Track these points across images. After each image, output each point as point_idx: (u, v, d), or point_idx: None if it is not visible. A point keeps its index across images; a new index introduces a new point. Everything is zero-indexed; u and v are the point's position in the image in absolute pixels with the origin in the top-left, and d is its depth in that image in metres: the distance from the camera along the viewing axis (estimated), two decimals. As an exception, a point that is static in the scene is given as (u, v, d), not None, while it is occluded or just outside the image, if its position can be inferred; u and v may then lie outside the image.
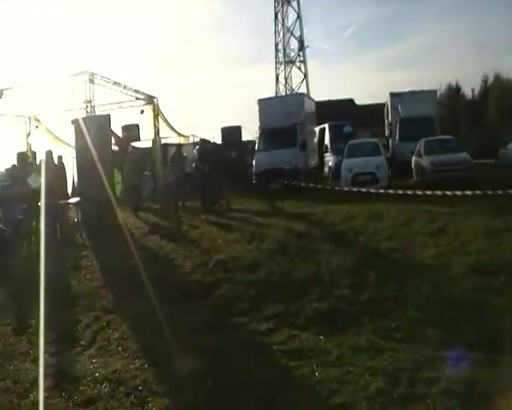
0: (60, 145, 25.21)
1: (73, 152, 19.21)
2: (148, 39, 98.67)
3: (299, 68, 58.09)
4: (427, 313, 7.19)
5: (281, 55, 58.45)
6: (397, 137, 25.53)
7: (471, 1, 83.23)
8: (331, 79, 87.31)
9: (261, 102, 24.89)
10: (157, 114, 25.67)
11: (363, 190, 15.82)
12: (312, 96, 36.88)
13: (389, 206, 14.17)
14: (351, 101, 50.50)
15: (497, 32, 74.77)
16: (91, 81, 23.67)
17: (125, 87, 24.48)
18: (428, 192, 13.46)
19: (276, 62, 58.52)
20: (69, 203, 17.93)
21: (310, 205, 16.11)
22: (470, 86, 47.73)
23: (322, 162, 28.32)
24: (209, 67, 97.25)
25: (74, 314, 8.82)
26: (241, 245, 11.59)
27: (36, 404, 5.88)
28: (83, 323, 8.35)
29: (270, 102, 25.43)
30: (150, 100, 25.33)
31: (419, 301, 7.63)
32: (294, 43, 58.07)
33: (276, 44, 58.37)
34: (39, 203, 13.94)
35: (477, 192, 12.61)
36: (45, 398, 5.90)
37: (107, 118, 19.36)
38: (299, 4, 57.41)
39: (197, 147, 22.19)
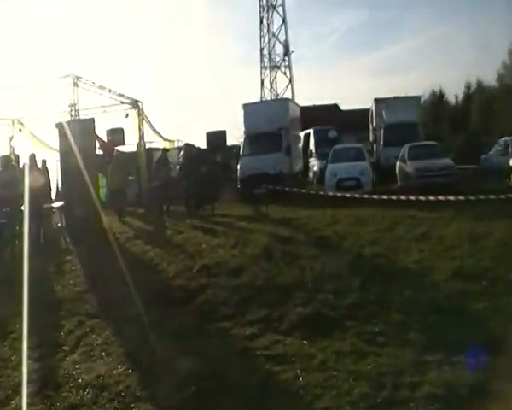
0: (43, 149, 25.07)
1: (57, 156, 19.10)
2: (133, 43, 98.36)
3: (285, 73, 58.18)
4: (410, 318, 7.23)
5: (266, 59, 58.47)
6: (381, 142, 25.66)
7: (455, 9, 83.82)
8: (316, 84, 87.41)
9: (246, 106, 24.90)
10: (142, 118, 25.63)
11: (348, 195, 15.88)
12: (297, 101, 37.01)
13: (373, 211, 14.24)
14: (336, 106, 50.69)
15: (481, 40, 75.48)
16: (76, 84, 23.61)
17: (109, 91, 24.45)
18: (412, 197, 13.54)
19: (261, 67, 58.57)
20: (53, 207, 17.82)
21: (294, 210, 16.14)
22: (453, 92, 48.22)
23: (306, 167, 28.41)
24: (194, 72, 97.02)
25: (58, 319, 8.74)
26: (225, 250, 11.57)
27: (18, 411, 5.83)
28: (66, 328, 8.27)
29: (254, 107, 25.45)
30: (135, 104, 25.28)
31: (403, 305, 7.67)
32: (280, 48, 58.15)
33: (262, 49, 58.40)
34: (22, 207, 13.83)
35: (460, 198, 12.71)
36: (28, 405, 5.84)
37: (92, 122, 19.26)
38: (284, 10, 57.54)
39: (182, 151, 22.14)
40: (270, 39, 58.11)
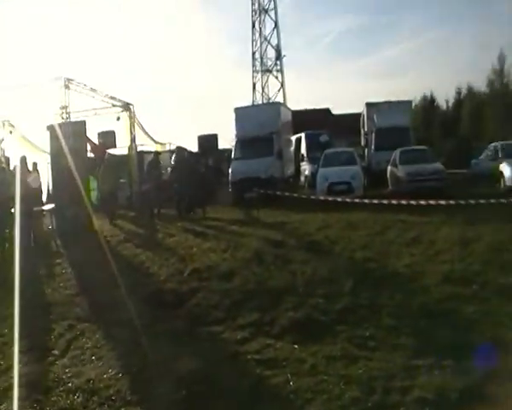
0: (34, 151, 24.97)
1: (48, 158, 19.04)
2: (125, 47, 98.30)
3: (276, 77, 58.42)
4: (401, 322, 7.25)
5: (258, 63, 58.71)
6: (372, 146, 25.76)
7: (446, 15, 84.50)
8: (308, 89, 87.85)
9: (237, 110, 24.92)
10: (133, 121, 25.59)
11: (339, 199, 15.91)
12: (289, 105, 37.08)
13: (365, 215, 14.29)
14: (327, 110, 50.84)
15: (472, 45, 76.06)
16: (67, 87, 23.54)
17: (101, 93, 24.37)
18: (403, 202, 13.60)
19: (253, 71, 58.74)
20: (44, 210, 17.75)
21: (286, 214, 16.17)
22: (445, 97, 48.39)
23: (298, 171, 28.47)
24: (186, 75, 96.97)
25: (48, 323, 8.68)
26: (216, 254, 11.57)
27: (8, 415, 5.80)
28: (56, 331, 8.22)
29: (246, 111, 25.47)
30: (126, 107, 25.24)
31: (393, 309, 7.69)
32: (271, 52, 58.41)
33: (254, 53, 58.62)
34: (13, 210, 13.79)
35: (451, 202, 12.77)
36: (17, 409, 5.80)
37: (83, 124, 19.23)
38: (276, 14, 57.78)
39: (174, 155, 22.15)
40: (262, 43, 58.36)
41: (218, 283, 9.56)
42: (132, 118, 25.47)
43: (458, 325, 7.03)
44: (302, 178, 27.74)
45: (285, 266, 10.11)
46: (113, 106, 25.09)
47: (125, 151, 26.04)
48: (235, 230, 14.64)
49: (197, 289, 9.36)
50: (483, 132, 36.11)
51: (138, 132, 26.64)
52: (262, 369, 6.24)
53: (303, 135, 29.80)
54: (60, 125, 18.69)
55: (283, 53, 58.21)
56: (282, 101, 50.34)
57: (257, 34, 58.35)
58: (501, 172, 20.22)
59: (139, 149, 27.09)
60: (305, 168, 27.27)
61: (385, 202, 14.35)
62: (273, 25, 57.72)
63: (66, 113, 24.56)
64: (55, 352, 7.43)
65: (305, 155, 28.54)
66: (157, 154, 22.61)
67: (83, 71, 79.66)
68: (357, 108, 31.81)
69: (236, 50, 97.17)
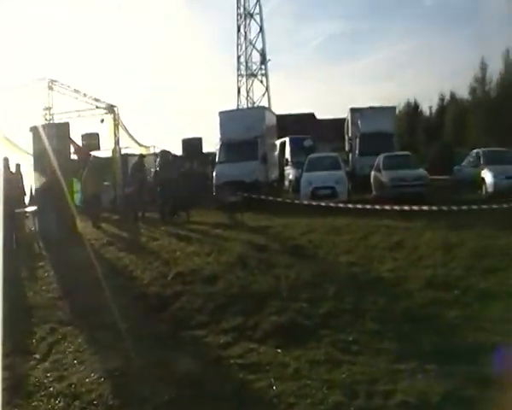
0: (17, 152, 24.73)
1: (31, 160, 18.87)
2: (110, 49, 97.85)
3: (261, 82, 58.50)
4: (384, 326, 7.27)
5: (243, 67, 58.77)
6: (357, 151, 25.94)
7: (430, 21, 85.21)
8: (292, 93, 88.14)
9: (222, 114, 24.92)
10: (117, 123, 25.46)
11: (323, 203, 15.97)
12: (274, 109, 37.18)
13: (348, 220, 14.36)
14: (312, 115, 51.03)
15: (455, 52, 76.79)
16: (51, 88, 23.38)
17: (85, 95, 24.23)
18: (387, 207, 13.68)
19: (238, 75, 58.79)
20: (26, 212, 17.60)
21: (270, 218, 16.20)
22: (428, 104, 48.77)
23: (282, 176, 28.51)
24: (170, 78, 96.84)
25: (29, 326, 8.59)
26: (200, 257, 11.54)
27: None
28: (38, 335, 8.13)
29: (230, 115, 25.48)
30: (111, 109, 25.12)
31: (377, 314, 7.71)
32: (256, 57, 58.49)
33: (239, 57, 58.67)
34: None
35: (433, 208, 12.87)
36: (-3, 414, 5.73)
37: (67, 126, 19.10)
38: (261, 18, 57.92)
39: (158, 158, 22.09)
40: (247, 47, 58.41)
41: (202, 286, 9.53)
42: (116, 120, 25.35)
43: (441, 330, 7.07)
44: (286, 183, 27.80)
45: (269, 270, 10.11)
46: (97, 108, 24.96)
47: (108, 154, 25.90)
48: (219, 233, 14.63)
49: (181, 293, 9.32)
50: (466, 139, 36.44)
51: (122, 135, 26.53)
52: (245, 373, 6.22)
53: (287, 139, 29.87)
54: (43, 126, 18.55)
55: (268, 57, 58.42)
56: (266, 105, 50.44)
57: (242, 38, 58.49)
58: (483, 179, 20.43)
59: (123, 151, 26.96)
60: (290, 173, 27.34)
61: (368, 206, 14.44)
62: (258, 29, 57.87)
63: (50, 114, 24.37)
64: (37, 356, 7.35)
65: (289, 159, 28.60)
66: (142, 157, 22.53)
67: (67, 72, 79.40)
68: (342, 113, 32.02)
69: (221, 54, 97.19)
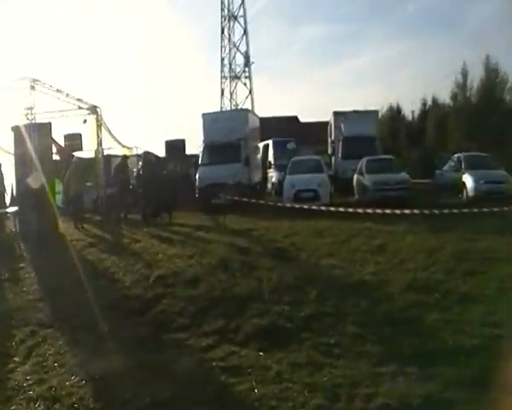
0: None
1: (12, 160, 18.67)
2: (93, 49, 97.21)
3: (245, 84, 58.46)
4: (366, 330, 7.30)
5: (226, 69, 58.68)
6: (339, 155, 26.00)
7: (414, 26, 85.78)
8: (276, 96, 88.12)
9: (205, 116, 24.87)
10: (100, 124, 25.28)
11: (306, 206, 16.00)
12: (257, 111, 37.15)
13: (331, 223, 14.40)
14: (295, 118, 51.12)
15: (438, 57, 77.42)
16: (33, 87, 23.15)
17: (67, 95, 23.99)
18: (369, 210, 13.74)
19: (221, 77, 58.70)
20: (7, 213, 17.42)
21: (252, 221, 16.19)
22: (410, 108, 48.98)
23: (265, 178, 28.52)
24: (154, 79, 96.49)
25: (9, 328, 8.51)
26: (182, 260, 11.50)
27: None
28: (18, 338, 8.05)
29: (214, 117, 25.43)
30: (93, 110, 24.91)
31: (358, 317, 7.75)
32: (240, 59, 58.46)
33: (222, 59, 58.59)
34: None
35: (415, 211, 12.96)
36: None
37: (49, 126, 18.93)
38: (245, 20, 57.86)
39: (141, 159, 22.00)
40: (230, 49, 58.33)
41: (184, 289, 9.51)
42: (99, 121, 25.15)
43: (421, 333, 7.12)
44: (269, 185, 27.82)
45: (251, 272, 10.10)
46: (80, 108, 24.72)
47: (91, 154, 25.72)
48: (201, 236, 14.60)
49: (162, 296, 9.29)
50: (447, 144, 36.72)
51: (105, 136, 26.32)
52: (227, 376, 6.21)
53: (270, 142, 29.90)
54: (25, 126, 18.37)
55: (252, 60, 58.37)
56: (250, 107, 50.42)
57: (226, 40, 58.38)
58: (463, 183, 20.61)
59: (106, 152, 26.79)
60: (272, 175, 27.37)
61: (351, 210, 14.49)
62: (242, 31, 57.88)
63: (32, 114, 24.11)
64: (16, 359, 7.28)
65: (272, 162, 28.63)
66: (125, 158, 22.38)
67: (50, 73, 78.62)
68: (325, 116, 32.10)
69: (205, 56, 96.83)
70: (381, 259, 10.73)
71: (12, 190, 20.37)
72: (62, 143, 25.28)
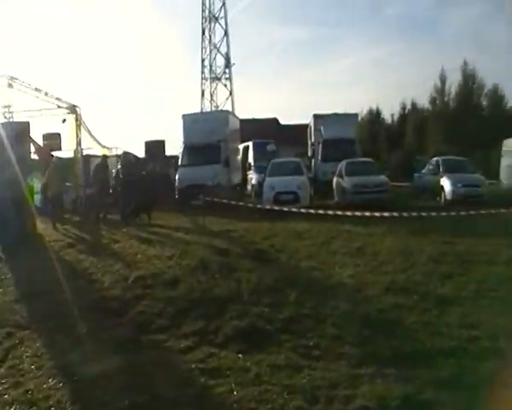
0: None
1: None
2: (72, 48, 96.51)
3: (225, 85, 58.51)
4: (344, 331, 7.33)
5: (207, 71, 58.65)
6: (319, 157, 26.12)
7: (394, 30, 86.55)
8: (256, 98, 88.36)
9: (185, 117, 24.85)
10: (79, 123, 25.10)
11: (285, 208, 16.04)
12: (237, 113, 37.20)
13: (310, 225, 14.46)
14: (275, 120, 51.23)
15: (417, 62, 78.23)
16: (10, 85, 22.91)
17: (46, 94, 23.78)
18: (349, 213, 13.82)
19: (202, 78, 58.64)
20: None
21: (232, 222, 16.20)
22: (390, 112, 49.37)
23: (245, 180, 28.56)
24: (134, 80, 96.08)
25: (-16, 331, 8.40)
26: (161, 261, 11.45)
27: None
28: (-7, 340, 7.96)
29: (194, 118, 25.42)
30: (72, 109, 24.73)
31: (337, 319, 7.76)
32: (221, 60, 58.46)
33: (203, 60, 58.55)
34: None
35: (394, 214, 13.06)
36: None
37: (27, 125, 18.76)
38: (226, 22, 57.97)
39: (120, 159, 21.89)
40: (211, 51, 58.33)
41: (163, 290, 9.46)
42: (78, 120, 24.97)
43: (400, 335, 7.17)
44: (249, 187, 27.88)
45: (230, 274, 10.09)
46: (59, 107, 24.53)
47: (70, 154, 25.53)
48: (180, 237, 14.56)
49: (141, 297, 9.23)
50: (426, 147, 37.17)
51: (84, 135, 26.15)
52: (206, 378, 6.19)
53: (250, 144, 29.97)
54: (2, 124, 18.18)
55: (232, 61, 58.48)
56: (230, 109, 50.50)
57: (206, 41, 58.38)
58: (442, 187, 20.84)
59: (85, 152, 26.62)
60: (252, 177, 27.43)
61: (330, 212, 14.55)
62: (223, 33, 57.89)
63: (10, 112, 23.91)
64: (-8, 361, 7.18)
65: (252, 163, 28.68)
66: (105, 158, 22.25)
67: (28, 71, 77.80)
68: (305, 119, 32.21)
69: (186, 57, 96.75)
70: (360, 261, 10.79)
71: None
72: (41, 143, 25.07)
